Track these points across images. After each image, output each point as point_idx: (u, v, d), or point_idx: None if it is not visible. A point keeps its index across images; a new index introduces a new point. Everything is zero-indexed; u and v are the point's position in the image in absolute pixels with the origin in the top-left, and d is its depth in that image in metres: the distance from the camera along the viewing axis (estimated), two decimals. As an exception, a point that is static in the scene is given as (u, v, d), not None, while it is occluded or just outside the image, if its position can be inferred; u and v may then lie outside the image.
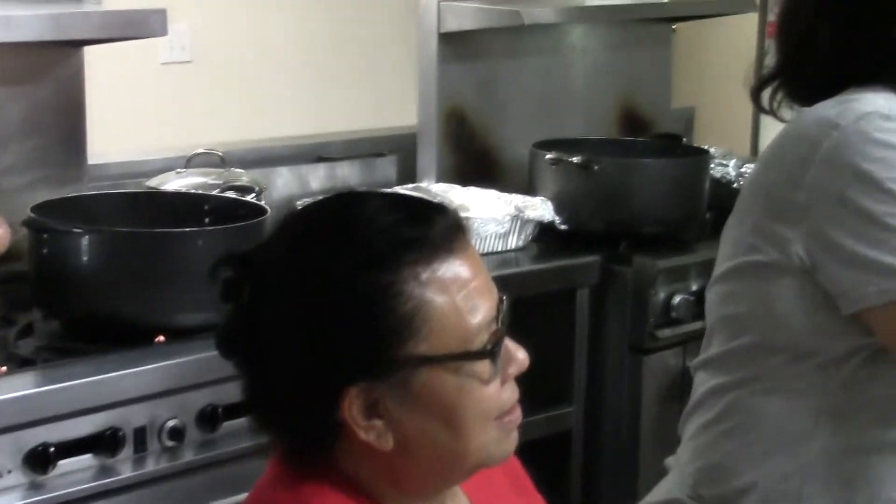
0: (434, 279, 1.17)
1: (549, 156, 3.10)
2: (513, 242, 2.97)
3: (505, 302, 1.24)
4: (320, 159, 3.34)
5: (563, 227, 3.05)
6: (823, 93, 1.51)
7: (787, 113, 1.57)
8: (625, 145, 3.40)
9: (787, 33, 1.56)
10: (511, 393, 1.24)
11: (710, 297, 1.62)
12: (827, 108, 1.47)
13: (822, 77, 1.52)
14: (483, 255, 2.92)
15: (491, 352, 1.19)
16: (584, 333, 2.98)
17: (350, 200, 1.27)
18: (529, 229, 3.00)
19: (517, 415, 1.26)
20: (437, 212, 1.22)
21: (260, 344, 1.21)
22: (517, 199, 3.03)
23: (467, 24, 3.25)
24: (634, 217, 3.02)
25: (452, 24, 3.26)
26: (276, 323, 1.20)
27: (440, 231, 1.19)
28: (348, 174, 3.35)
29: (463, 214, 3.02)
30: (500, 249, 2.95)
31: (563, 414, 2.97)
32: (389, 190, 2.92)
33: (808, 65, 1.53)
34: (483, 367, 1.19)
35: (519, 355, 1.24)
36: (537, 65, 3.55)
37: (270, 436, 1.26)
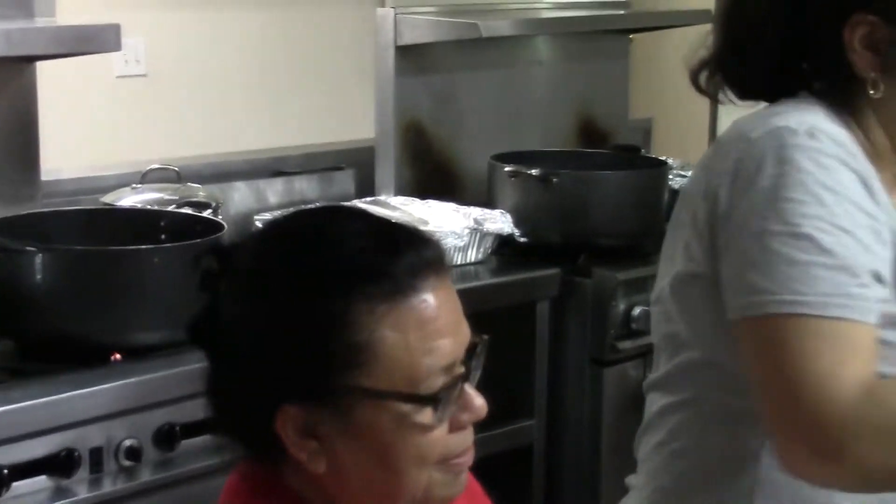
0: (390, 314, 1.15)
1: (507, 168, 3.09)
2: (472, 256, 2.96)
3: (480, 345, 1.21)
4: (278, 173, 3.32)
5: (522, 239, 3.04)
6: (761, 89, 1.49)
7: (723, 96, 1.54)
8: (583, 157, 3.40)
9: (735, 18, 1.51)
10: (462, 439, 1.21)
11: (653, 315, 1.60)
12: (746, 122, 1.45)
13: (763, 73, 1.49)
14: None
15: (434, 398, 1.16)
16: (544, 346, 2.98)
17: (330, 218, 1.25)
18: (489, 242, 3.00)
19: (466, 458, 1.23)
20: (410, 244, 1.19)
21: (221, 337, 1.20)
22: (476, 212, 3.02)
23: (424, 36, 3.25)
24: (593, 229, 3.02)
25: (409, 37, 3.25)
26: (236, 324, 1.20)
27: (407, 266, 1.17)
28: (306, 188, 3.33)
29: (422, 227, 3.06)
30: (459, 263, 2.94)
31: (524, 427, 2.96)
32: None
33: (752, 57, 1.49)
34: (426, 413, 1.17)
35: (476, 402, 1.21)
36: (495, 77, 3.55)
37: (221, 437, 1.25)
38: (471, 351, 1.22)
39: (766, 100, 1.52)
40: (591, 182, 3.06)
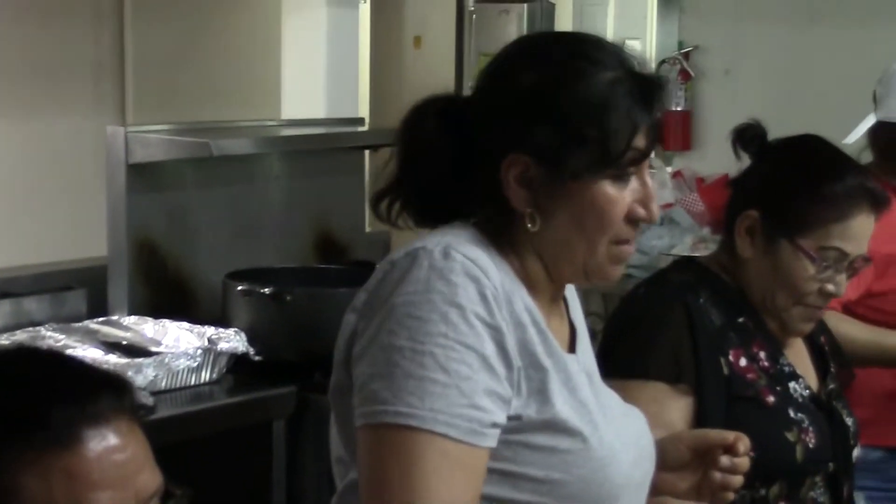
0: (37, 463, 1.12)
1: (240, 287, 3.08)
2: (205, 376, 2.93)
3: (177, 499, 1.19)
4: (5, 295, 3.21)
5: (257, 358, 3.02)
6: (435, 216, 1.55)
7: (403, 223, 1.59)
8: (320, 273, 3.42)
9: (409, 148, 1.57)
10: None
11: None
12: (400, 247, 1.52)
13: (434, 201, 1.56)
14: (175, 389, 2.86)
15: None
16: (281, 466, 2.95)
17: (12, 361, 1.21)
18: (223, 361, 2.97)
19: None
20: (81, 394, 1.16)
21: None
22: (210, 331, 2.99)
23: (156, 155, 3.22)
24: (328, 345, 2.99)
25: (140, 155, 3.22)
26: None
27: (66, 417, 1.13)
28: (35, 310, 3.23)
29: (153, 349, 2.99)
30: (192, 384, 2.89)
31: (262, 549, 2.92)
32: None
33: (424, 185, 1.55)
34: None
35: None
36: (230, 194, 3.54)
37: None
38: (166, 498, 1.19)
39: (440, 225, 1.57)
40: (324, 299, 3.07)
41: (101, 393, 1.17)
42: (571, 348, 1.61)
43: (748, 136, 2.09)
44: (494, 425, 1.43)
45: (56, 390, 1.16)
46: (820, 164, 2.07)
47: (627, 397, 1.82)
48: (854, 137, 2.80)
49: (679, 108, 5.17)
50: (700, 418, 1.94)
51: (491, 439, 1.43)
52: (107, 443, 1.15)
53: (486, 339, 1.43)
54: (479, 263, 1.47)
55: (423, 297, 1.43)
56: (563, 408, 1.49)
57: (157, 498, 1.18)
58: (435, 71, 6.40)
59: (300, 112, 3.98)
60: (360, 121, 4.09)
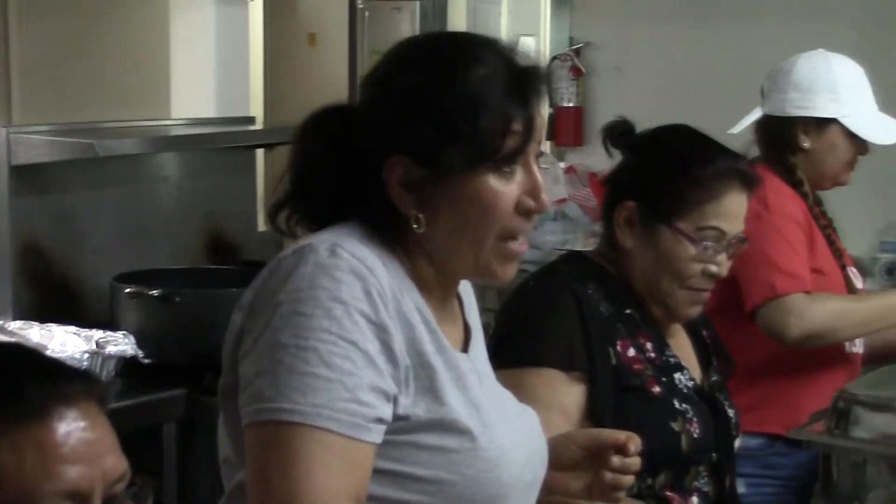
0: (9, 435, 1.14)
1: (128, 290, 3.04)
2: (93, 380, 2.88)
3: (140, 486, 1.20)
4: None
5: (146, 361, 2.99)
6: (331, 222, 1.55)
7: (300, 232, 1.59)
8: (210, 274, 3.39)
9: (300, 157, 1.58)
10: None
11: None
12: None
13: (326, 208, 1.55)
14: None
15: None
16: (172, 470, 2.92)
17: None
18: (111, 365, 2.92)
19: None
20: (49, 376, 1.20)
21: None
22: (98, 335, 2.94)
23: (40, 156, 3.16)
24: (218, 347, 2.96)
25: (24, 157, 3.16)
26: None
27: (38, 394, 1.16)
28: (-84, 317, 3.15)
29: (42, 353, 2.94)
30: (80, 388, 2.84)
31: (154, 555, 2.88)
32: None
33: (315, 193, 1.55)
34: None
35: None
36: (118, 195, 3.49)
37: None
38: (129, 486, 1.21)
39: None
40: (213, 300, 3.04)
41: (74, 377, 1.22)
42: (465, 348, 1.61)
43: (617, 133, 2.13)
44: (379, 420, 1.43)
45: (31, 371, 1.21)
46: (690, 150, 2.11)
47: (523, 385, 1.85)
48: (739, 128, 2.86)
49: (571, 105, 5.21)
50: (592, 406, 1.97)
51: (375, 434, 1.43)
52: (77, 422, 1.19)
53: (369, 336, 1.43)
54: (366, 262, 1.47)
55: (308, 293, 1.43)
56: (453, 407, 1.49)
57: (123, 483, 1.21)
58: (329, 68, 6.38)
59: (190, 111, 3.93)
60: (251, 119, 4.06)
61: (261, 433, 1.41)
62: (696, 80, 4.91)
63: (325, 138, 1.56)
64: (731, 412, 2.12)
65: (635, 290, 2.08)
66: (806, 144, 2.74)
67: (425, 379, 1.48)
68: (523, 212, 1.52)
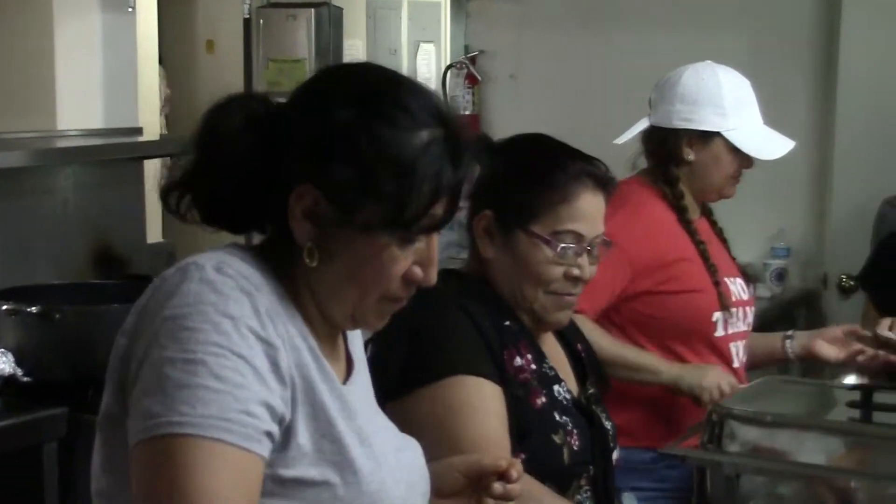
0: None
1: (5, 306, 2.97)
2: (-30, 400, 2.81)
3: None
4: None
5: (25, 379, 2.91)
6: (224, 220, 1.51)
7: (191, 217, 1.53)
8: (95, 289, 3.31)
9: (208, 146, 1.50)
10: None
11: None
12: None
13: (226, 205, 1.51)
14: (-63, 416, 2.74)
15: None
16: (53, 490, 2.85)
17: None
18: (-11, 384, 2.86)
19: None
20: None
21: None
22: (-25, 353, 2.87)
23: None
24: (100, 364, 2.90)
25: None
26: None
27: None
28: None
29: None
30: (-44, 409, 2.78)
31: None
32: None
33: (217, 188, 1.49)
34: None
35: None
36: (1, 208, 3.41)
37: None
38: None
39: (228, 230, 1.54)
40: (95, 316, 2.98)
41: None
42: (346, 380, 1.58)
43: (480, 150, 2.10)
44: (268, 434, 1.39)
45: None
46: (542, 155, 2.11)
47: (448, 397, 1.86)
48: (624, 139, 2.86)
49: (467, 112, 5.22)
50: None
51: (264, 448, 1.39)
52: None
53: (258, 352, 1.40)
54: (253, 280, 1.43)
55: (195, 308, 1.39)
56: (340, 437, 1.46)
57: None
58: (228, 75, 6.33)
59: (76, 122, 3.86)
60: (139, 130, 4.00)
61: (149, 449, 1.36)
62: (590, 87, 4.95)
63: (239, 127, 1.49)
64: (608, 424, 2.12)
65: (507, 301, 2.08)
66: (690, 157, 2.74)
67: (311, 406, 1.45)
68: (409, 281, 1.50)
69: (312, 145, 1.46)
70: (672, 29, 4.77)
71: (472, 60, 5.26)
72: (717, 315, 2.70)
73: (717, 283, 2.69)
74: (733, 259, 2.89)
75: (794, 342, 2.82)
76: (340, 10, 5.61)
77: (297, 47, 5.44)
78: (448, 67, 5.42)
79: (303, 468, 1.43)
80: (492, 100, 5.25)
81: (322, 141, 1.46)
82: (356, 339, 1.65)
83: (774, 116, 5.02)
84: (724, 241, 2.88)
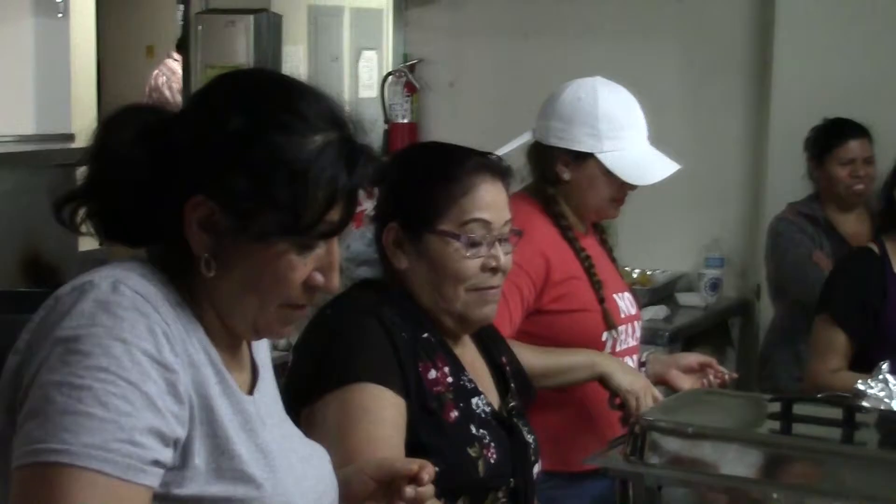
0: None
1: (-71, 316, 2.92)
2: None
3: None
4: None
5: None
6: (121, 235, 1.49)
7: (86, 229, 1.52)
8: (23, 297, 3.27)
9: (103, 160, 1.48)
10: None
11: None
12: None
13: (121, 220, 1.49)
14: None
15: None
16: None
17: None
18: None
19: None
20: None
21: None
22: None
23: None
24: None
25: None
26: None
27: None
28: None
29: None
30: None
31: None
32: None
33: (112, 202, 1.48)
34: None
35: None
36: (-73, 215, 3.37)
37: None
38: None
39: (124, 244, 1.51)
40: (22, 324, 2.94)
41: None
42: (251, 390, 1.56)
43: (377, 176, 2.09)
44: (156, 463, 1.37)
45: None
46: (437, 156, 2.13)
47: (349, 403, 1.84)
48: (504, 150, 2.69)
49: (406, 121, 5.22)
50: (409, 424, 1.95)
51: (152, 477, 1.37)
52: None
53: (153, 376, 1.37)
54: (150, 299, 1.41)
55: (87, 330, 1.36)
56: (237, 453, 1.44)
57: None
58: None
59: (7, 128, 3.82)
60: (71, 137, 3.96)
61: (29, 475, 1.34)
62: (529, 96, 4.90)
63: (132, 139, 1.46)
64: (529, 438, 2.12)
65: (426, 312, 2.07)
66: (566, 176, 2.64)
67: (208, 424, 1.43)
68: (310, 287, 1.49)
69: (205, 155, 1.44)
70: (610, 39, 4.80)
71: (411, 69, 5.25)
72: (606, 335, 2.62)
73: (603, 301, 2.62)
74: (621, 275, 2.84)
75: (650, 367, 2.73)
76: (279, 16, 5.58)
77: (236, 54, 5.40)
78: (387, 75, 5.41)
79: (200, 486, 1.41)
80: (431, 108, 5.25)
81: (214, 150, 1.44)
82: (261, 347, 1.64)
83: (709, 126, 5.09)
84: (612, 257, 2.81)
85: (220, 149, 1.44)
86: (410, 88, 5.23)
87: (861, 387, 2.51)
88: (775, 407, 2.08)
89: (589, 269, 2.63)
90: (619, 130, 2.63)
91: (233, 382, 1.48)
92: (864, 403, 2.43)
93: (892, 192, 3.26)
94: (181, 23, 5.39)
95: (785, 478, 2.01)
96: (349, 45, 6.36)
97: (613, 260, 2.81)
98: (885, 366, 2.57)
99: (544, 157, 2.67)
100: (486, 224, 2.05)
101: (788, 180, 4.43)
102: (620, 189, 2.65)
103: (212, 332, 1.49)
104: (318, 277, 1.48)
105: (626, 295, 2.74)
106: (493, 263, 2.06)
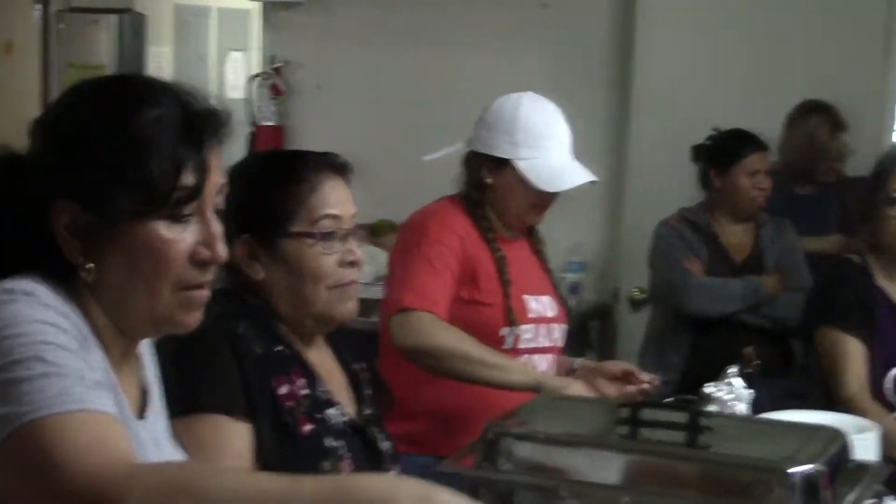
0: None
1: None
2: None
3: None
4: None
5: None
6: None
7: None
8: None
9: None
10: None
11: None
12: None
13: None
14: None
15: None
16: None
17: None
18: None
19: None
20: None
21: None
22: None
23: None
24: None
25: None
26: None
27: None
28: None
29: None
30: None
31: None
32: None
33: None
34: None
35: None
36: None
37: None
38: None
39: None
40: None
41: None
42: (142, 412, 1.55)
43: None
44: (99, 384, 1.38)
45: None
46: (279, 160, 2.19)
47: (190, 434, 1.81)
48: (433, 157, 2.93)
49: (271, 123, 5.20)
50: (258, 448, 1.95)
51: (109, 403, 1.37)
52: None
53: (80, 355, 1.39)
54: (60, 309, 1.41)
55: (11, 319, 1.37)
56: None
57: None
58: (26, 79, 6.16)
59: None
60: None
61: (7, 445, 1.32)
62: (397, 100, 4.99)
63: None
64: (384, 445, 2.14)
65: (284, 322, 2.08)
66: (488, 180, 2.84)
67: None
68: (198, 262, 1.48)
69: (53, 162, 1.45)
70: (474, 46, 4.85)
71: (278, 71, 5.24)
72: (505, 330, 2.77)
73: (508, 298, 2.76)
74: (552, 282, 3.00)
75: (579, 375, 2.82)
76: (143, 16, 5.51)
77: (99, 53, 5.33)
78: (253, 77, 5.39)
79: None
80: (298, 111, 5.25)
81: (59, 153, 1.45)
82: (150, 366, 1.62)
83: (571, 133, 5.13)
84: (546, 266, 2.99)
85: (62, 150, 1.45)
86: (277, 91, 5.22)
87: (708, 390, 2.58)
88: (624, 412, 2.13)
89: (500, 268, 2.77)
90: (537, 140, 2.82)
91: (127, 408, 1.48)
92: (711, 407, 2.51)
93: (870, 204, 3.14)
94: (37, 21, 5.29)
95: (633, 482, 2.06)
96: (216, 45, 6.30)
97: (547, 269, 2.97)
98: (731, 370, 2.64)
99: (472, 163, 2.87)
100: (336, 219, 2.08)
101: (646, 187, 4.53)
102: (541, 197, 2.84)
103: (107, 348, 1.47)
104: (203, 251, 1.48)
105: (545, 298, 2.89)
106: (351, 257, 2.09)
